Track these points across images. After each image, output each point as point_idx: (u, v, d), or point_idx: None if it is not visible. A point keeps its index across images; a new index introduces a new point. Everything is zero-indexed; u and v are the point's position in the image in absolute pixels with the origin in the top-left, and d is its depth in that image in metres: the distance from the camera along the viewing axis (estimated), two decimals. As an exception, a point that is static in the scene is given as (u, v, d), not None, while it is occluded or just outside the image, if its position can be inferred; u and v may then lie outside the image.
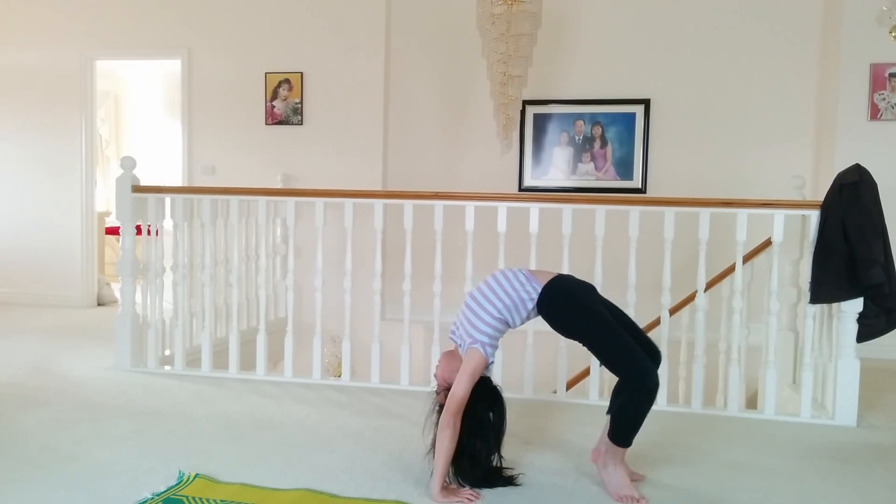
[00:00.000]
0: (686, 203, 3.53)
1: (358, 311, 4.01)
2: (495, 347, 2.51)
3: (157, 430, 3.00)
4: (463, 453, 2.42)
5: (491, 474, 2.48)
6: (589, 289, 2.60)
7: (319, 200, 3.81)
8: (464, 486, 2.45)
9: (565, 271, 3.58)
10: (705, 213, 3.43)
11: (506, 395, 3.56)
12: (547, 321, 2.54)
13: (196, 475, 2.51)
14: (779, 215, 3.38)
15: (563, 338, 3.62)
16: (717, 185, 5.23)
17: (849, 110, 4.85)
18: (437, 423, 2.43)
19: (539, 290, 2.49)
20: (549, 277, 2.54)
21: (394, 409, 3.41)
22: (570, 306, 2.51)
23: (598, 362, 3.66)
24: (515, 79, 4.65)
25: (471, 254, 3.66)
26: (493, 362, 2.50)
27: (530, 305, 2.50)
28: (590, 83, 5.58)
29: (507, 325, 2.53)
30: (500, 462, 2.51)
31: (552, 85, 5.61)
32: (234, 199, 3.97)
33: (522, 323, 2.56)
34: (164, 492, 2.39)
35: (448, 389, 2.47)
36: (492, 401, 2.50)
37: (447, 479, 2.43)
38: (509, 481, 2.51)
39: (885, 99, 4.81)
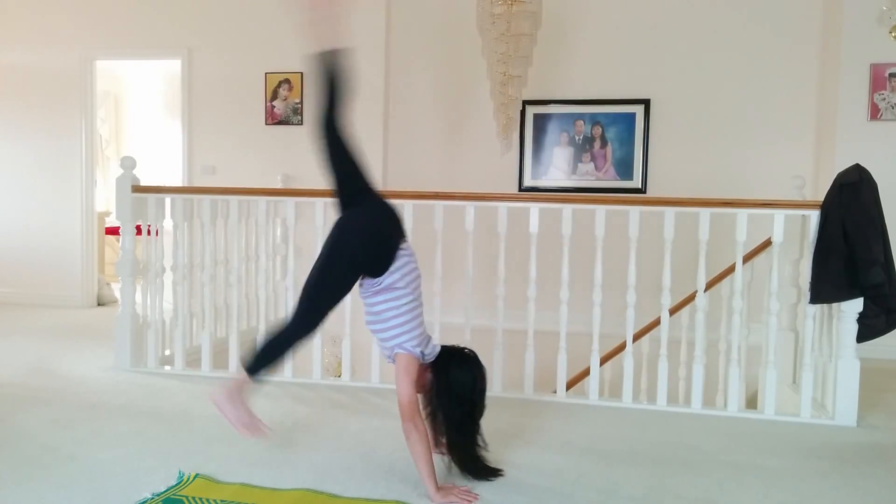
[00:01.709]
0: (686, 203, 3.53)
1: (358, 311, 3.99)
2: (417, 335, 2.48)
3: (157, 430, 3.00)
4: (459, 433, 2.46)
5: (480, 460, 2.52)
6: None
7: (319, 200, 3.80)
8: (465, 479, 2.49)
9: (566, 272, 3.60)
10: (705, 213, 3.43)
11: (506, 395, 3.62)
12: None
13: (196, 475, 2.51)
14: (779, 215, 3.38)
15: (562, 338, 3.64)
16: (717, 185, 5.23)
17: (849, 110, 4.85)
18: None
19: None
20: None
21: (394, 409, 3.36)
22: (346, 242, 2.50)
23: (598, 363, 3.66)
24: (515, 79, 4.65)
25: (471, 254, 3.66)
26: (422, 352, 2.48)
27: (391, 262, 2.48)
28: (590, 83, 5.58)
29: (413, 297, 2.53)
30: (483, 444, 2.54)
31: (552, 85, 5.61)
32: (234, 199, 3.97)
33: (412, 266, 2.57)
34: (165, 492, 2.39)
35: (426, 392, 2.51)
36: (461, 362, 2.53)
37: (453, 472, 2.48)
38: (495, 472, 2.55)
39: (885, 99, 4.81)
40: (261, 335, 2.47)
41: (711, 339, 3.68)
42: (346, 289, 2.50)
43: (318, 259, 2.48)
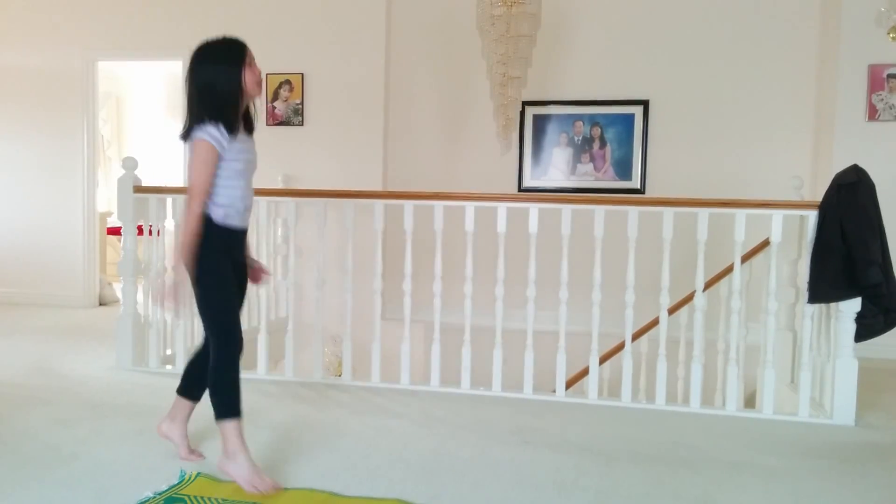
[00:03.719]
0: (685, 203, 3.55)
1: (358, 311, 4.02)
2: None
3: (159, 430, 3.02)
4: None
5: None
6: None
7: (320, 200, 3.82)
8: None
9: (565, 272, 3.61)
10: (704, 214, 3.45)
11: (505, 394, 3.63)
12: None
13: (198, 474, 2.53)
14: (777, 215, 3.40)
15: (562, 337, 3.65)
16: (716, 185, 5.24)
17: (847, 111, 4.86)
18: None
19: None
20: None
21: (394, 408, 3.43)
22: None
23: (597, 362, 3.68)
24: (515, 80, 4.66)
25: (471, 254, 3.68)
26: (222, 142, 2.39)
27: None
28: (589, 84, 5.60)
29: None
30: None
31: (551, 86, 5.62)
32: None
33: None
34: (166, 490, 2.40)
35: None
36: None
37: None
38: None
39: (883, 100, 4.82)
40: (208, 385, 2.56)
41: (710, 339, 3.70)
42: (232, 295, 2.56)
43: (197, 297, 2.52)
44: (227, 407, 2.46)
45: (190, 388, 2.72)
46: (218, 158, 2.40)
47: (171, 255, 2.48)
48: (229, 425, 2.45)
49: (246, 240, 2.66)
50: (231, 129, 2.41)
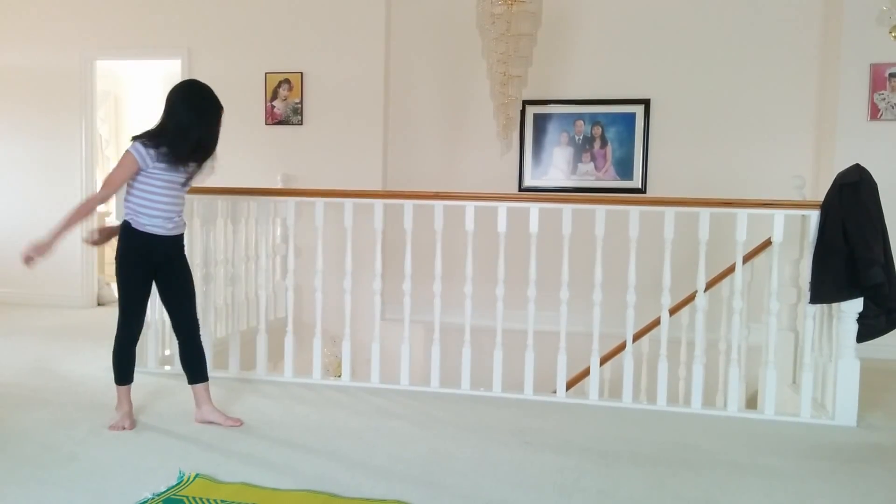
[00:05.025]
0: (686, 203, 3.54)
1: (358, 312, 4.01)
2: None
3: (157, 430, 3.01)
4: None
5: None
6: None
7: (319, 200, 3.81)
8: None
9: (566, 272, 3.60)
10: (705, 213, 3.43)
11: (506, 395, 3.62)
12: None
13: (196, 475, 2.52)
14: (779, 215, 3.38)
15: (562, 338, 3.64)
16: (717, 184, 5.23)
17: (849, 110, 4.85)
18: None
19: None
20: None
21: (393, 409, 3.42)
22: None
23: (597, 363, 3.67)
24: (515, 79, 4.65)
25: (471, 254, 3.66)
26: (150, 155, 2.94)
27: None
28: (590, 83, 5.58)
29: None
30: None
31: (552, 85, 5.61)
32: (233, 199, 3.97)
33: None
34: (165, 492, 2.39)
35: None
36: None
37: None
38: None
39: (885, 99, 4.81)
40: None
41: (711, 339, 3.69)
42: (138, 292, 3.08)
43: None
44: (119, 377, 3.08)
45: (193, 374, 3.13)
46: (137, 170, 2.93)
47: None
48: (120, 388, 3.08)
49: (182, 242, 3.16)
50: (171, 159, 2.95)
